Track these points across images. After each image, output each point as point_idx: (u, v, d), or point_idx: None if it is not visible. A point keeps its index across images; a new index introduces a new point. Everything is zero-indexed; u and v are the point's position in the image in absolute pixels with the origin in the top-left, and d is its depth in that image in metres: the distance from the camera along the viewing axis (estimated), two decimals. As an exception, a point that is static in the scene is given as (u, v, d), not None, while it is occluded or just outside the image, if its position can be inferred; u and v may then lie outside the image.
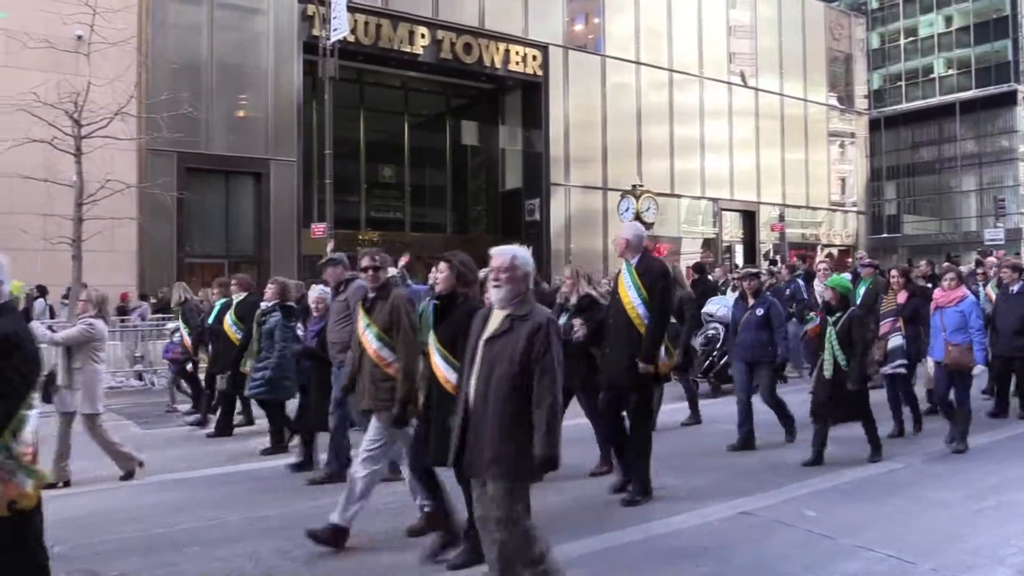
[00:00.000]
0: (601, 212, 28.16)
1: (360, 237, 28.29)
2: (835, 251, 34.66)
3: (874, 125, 48.65)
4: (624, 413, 6.38)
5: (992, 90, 57.23)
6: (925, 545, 5.07)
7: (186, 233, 20.99)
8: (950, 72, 63.67)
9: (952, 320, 7.76)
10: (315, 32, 21.74)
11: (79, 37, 15.93)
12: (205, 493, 6.82)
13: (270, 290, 8.27)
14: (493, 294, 3.95)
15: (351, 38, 21.59)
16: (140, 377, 14.53)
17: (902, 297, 8.73)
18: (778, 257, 28.77)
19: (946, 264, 13.57)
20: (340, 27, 18.56)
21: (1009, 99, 55.28)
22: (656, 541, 5.29)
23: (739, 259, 32.47)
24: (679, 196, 31.01)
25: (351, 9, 20.30)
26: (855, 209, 39.24)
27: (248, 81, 22.23)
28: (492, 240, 30.92)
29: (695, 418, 9.49)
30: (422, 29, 24.80)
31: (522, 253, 4.00)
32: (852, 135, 39.18)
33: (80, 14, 14.73)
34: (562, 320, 6.74)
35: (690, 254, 31.05)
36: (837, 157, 38.35)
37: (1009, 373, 9.47)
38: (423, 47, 24.86)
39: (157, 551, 5.25)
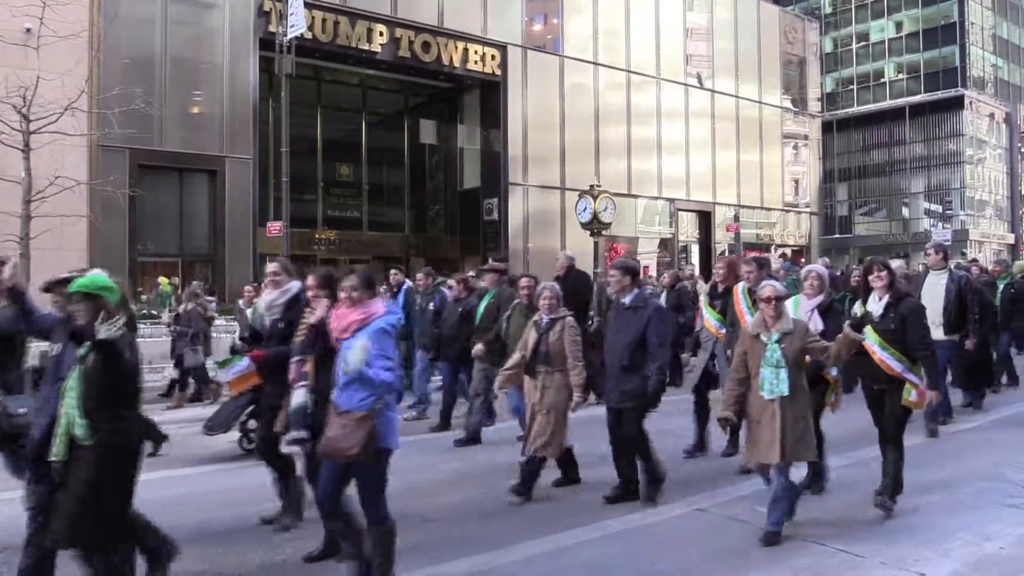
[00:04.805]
0: (559, 212, 28.28)
1: (317, 236, 28.11)
2: (788, 251, 35.25)
3: (826, 128, 49.56)
4: None
5: (940, 95, 58.69)
6: (874, 539, 5.19)
7: (139, 231, 20.63)
8: (900, 76, 65.16)
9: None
10: (271, 28, 21.51)
11: (28, 30, 15.57)
12: (157, 496, 6.68)
13: None
14: None
15: (308, 35, 21.42)
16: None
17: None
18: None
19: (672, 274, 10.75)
20: (297, 23, 18.39)
21: (956, 103, 56.70)
22: (613, 539, 5.34)
23: (695, 259, 32.84)
24: (636, 196, 31.26)
25: (308, 6, 20.13)
26: (808, 210, 39.91)
27: (203, 77, 21.91)
28: (450, 240, 30.86)
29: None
30: (380, 27, 24.67)
31: None
32: (805, 137, 39.87)
33: (29, 6, 14.44)
34: None
35: (647, 254, 31.34)
36: (791, 159, 38.99)
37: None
38: (381, 45, 24.73)
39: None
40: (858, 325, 5.63)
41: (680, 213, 33.43)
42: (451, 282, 9.76)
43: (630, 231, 31.04)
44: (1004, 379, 11.49)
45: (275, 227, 19.37)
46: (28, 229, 14.43)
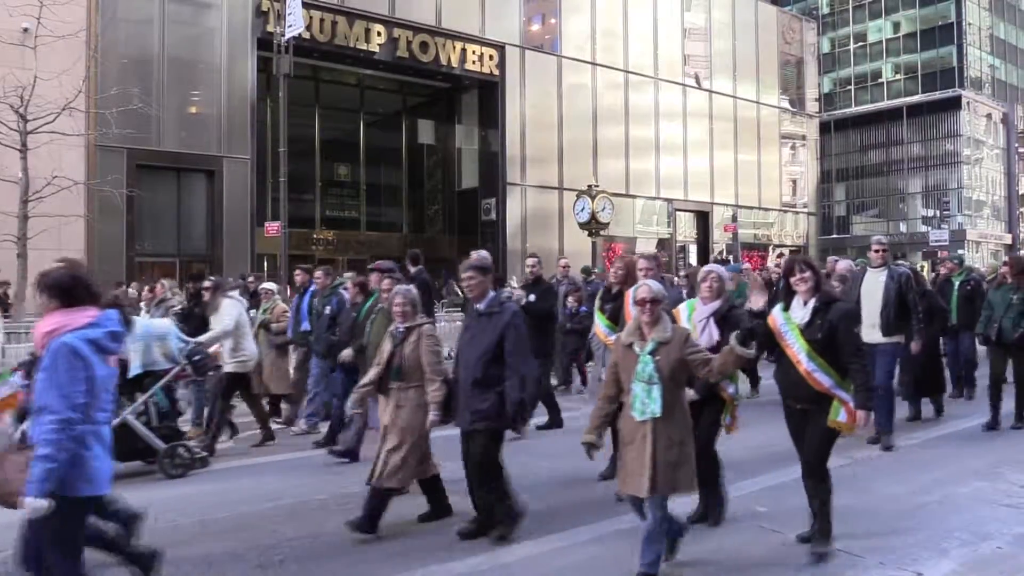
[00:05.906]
0: (557, 212, 28.28)
1: (315, 236, 28.09)
2: (786, 251, 35.28)
3: (824, 128, 49.62)
4: None
5: (937, 95, 58.77)
6: (873, 539, 5.20)
7: (137, 231, 20.62)
8: (897, 77, 65.23)
9: (40, 392, 3.42)
10: (269, 28, 21.50)
11: (25, 30, 15.57)
12: (155, 496, 6.69)
13: None
14: None
15: (306, 35, 21.39)
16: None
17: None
18: (730, 256, 29.17)
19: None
20: (295, 23, 18.36)
21: (954, 104, 56.77)
22: (609, 540, 5.33)
23: (693, 259, 32.85)
24: (634, 196, 31.26)
25: (306, 6, 20.12)
26: (806, 210, 39.93)
27: (200, 77, 21.89)
28: (448, 240, 30.81)
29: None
30: (378, 27, 24.65)
31: None
32: (803, 137, 39.87)
33: (27, 6, 14.44)
34: None
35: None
36: (788, 159, 39.01)
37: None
38: (379, 45, 24.72)
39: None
40: (747, 337, 4.63)
41: (678, 213, 33.45)
42: (348, 283, 8.68)
43: (628, 231, 31.04)
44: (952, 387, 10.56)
45: (273, 227, 19.35)
46: (26, 229, 14.43)
